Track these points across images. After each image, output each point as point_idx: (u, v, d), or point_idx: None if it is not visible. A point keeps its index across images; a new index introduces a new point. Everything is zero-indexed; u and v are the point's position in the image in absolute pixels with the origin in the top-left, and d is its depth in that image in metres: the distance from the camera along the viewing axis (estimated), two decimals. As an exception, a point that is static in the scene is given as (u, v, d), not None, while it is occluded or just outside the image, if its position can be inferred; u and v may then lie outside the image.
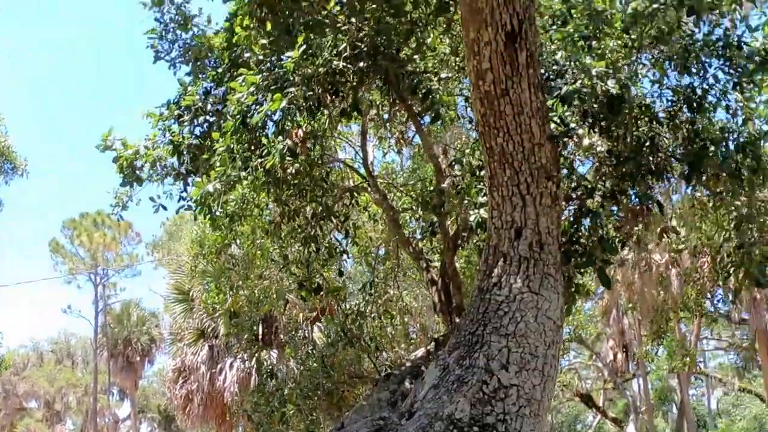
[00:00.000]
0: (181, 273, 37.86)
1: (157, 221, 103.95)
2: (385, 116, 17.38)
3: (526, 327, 9.14)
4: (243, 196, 16.10)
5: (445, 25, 13.45)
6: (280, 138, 11.51)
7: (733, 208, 13.86)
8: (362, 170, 18.13)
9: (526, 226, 9.59)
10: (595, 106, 10.93)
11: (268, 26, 11.35)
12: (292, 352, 27.65)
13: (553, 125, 10.39)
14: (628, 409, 52.01)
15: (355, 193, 18.01)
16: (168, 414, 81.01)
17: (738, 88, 12.30)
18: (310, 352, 24.25)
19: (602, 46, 11.72)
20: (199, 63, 15.20)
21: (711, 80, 12.21)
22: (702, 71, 12.19)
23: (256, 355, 33.27)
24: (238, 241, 20.40)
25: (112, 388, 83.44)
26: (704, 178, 12.26)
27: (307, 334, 30.37)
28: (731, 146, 12.20)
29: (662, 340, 40.03)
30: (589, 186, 11.53)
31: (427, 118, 14.79)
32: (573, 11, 12.08)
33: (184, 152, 14.37)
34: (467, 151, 13.68)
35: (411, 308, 27.02)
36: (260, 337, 33.28)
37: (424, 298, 27.08)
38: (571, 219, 11.63)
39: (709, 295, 35.30)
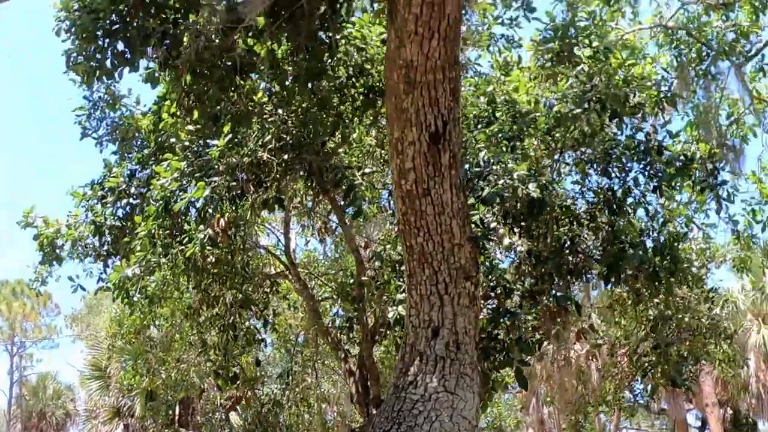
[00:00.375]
0: (98, 349, 37.14)
1: (78, 293, 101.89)
2: (309, 204, 17.43)
3: (440, 427, 9.06)
4: (164, 278, 15.97)
5: (372, 118, 13.56)
6: (202, 227, 11.46)
7: (651, 305, 14.07)
8: (284, 257, 18.14)
9: (443, 326, 9.56)
10: (516, 207, 11.04)
11: (195, 115, 11.33)
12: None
13: (473, 226, 10.46)
14: (548, 498, 51.68)
15: (275, 281, 17.96)
16: (80, 491, 78.84)
17: (658, 191, 12.52)
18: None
19: (526, 146, 11.90)
20: (125, 143, 15.16)
21: (631, 183, 12.44)
22: (623, 174, 12.41)
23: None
24: (156, 323, 20.13)
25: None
26: (623, 278, 12.41)
27: (224, 417, 29.98)
28: (650, 248, 12.39)
29: (582, 432, 40.00)
30: (508, 286, 11.61)
31: (350, 210, 14.86)
32: (498, 112, 12.27)
33: (106, 233, 14.27)
34: (388, 246, 13.73)
35: (329, 396, 26.85)
36: (177, 418, 32.69)
37: (342, 385, 26.94)
38: (490, 317, 11.68)
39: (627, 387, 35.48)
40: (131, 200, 14.10)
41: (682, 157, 12.47)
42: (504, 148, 11.62)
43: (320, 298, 18.84)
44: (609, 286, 14.13)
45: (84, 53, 10.18)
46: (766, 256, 22.97)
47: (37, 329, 73.26)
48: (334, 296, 18.42)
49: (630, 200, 12.53)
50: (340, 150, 13.55)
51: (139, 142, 15.13)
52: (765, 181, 18.03)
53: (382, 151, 14.73)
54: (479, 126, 12.45)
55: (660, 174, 12.24)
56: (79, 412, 63.32)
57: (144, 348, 21.77)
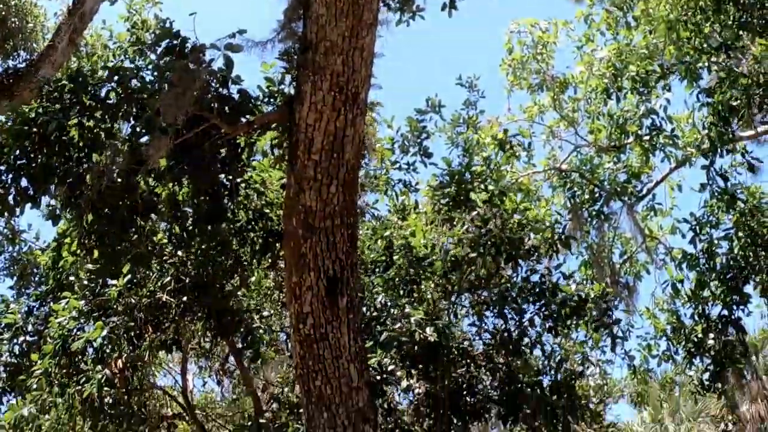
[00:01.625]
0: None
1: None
2: (207, 346, 17.28)
3: None
4: (59, 418, 15.64)
5: (270, 261, 13.59)
6: (99, 367, 11.34)
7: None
8: (181, 399, 17.94)
9: (342, 471, 9.52)
10: (414, 350, 11.14)
11: (96, 254, 11.30)
12: None
13: (372, 369, 10.54)
14: None
15: (173, 422, 17.68)
16: None
17: (553, 331, 12.75)
18: None
19: (423, 289, 12.08)
20: (23, 278, 15.01)
21: (527, 324, 12.67)
22: (519, 315, 12.64)
23: None
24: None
25: None
26: (521, 417, 12.50)
27: None
28: (547, 387, 12.55)
29: None
30: (406, 428, 11.64)
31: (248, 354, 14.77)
32: (395, 256, 12.46)
33: (1, 370, 13.95)
34: (286, 388, 13.69)
35: None
36: None
37: None
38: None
39: None
40: (28, 337, 13.82)
41: (576, 298, 12.77)
42: (401, 292, 11.78)
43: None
44: (507, 426, 14.28)
45: (-14, 189, 10.19)
46: (662, 389, 23.42)
47: None
48: (233, 438, 18.23)
49: (526, 341, 12.74)
50: (239, 292, 13.53)
51: (37, 279, 14.96)
52: (659, 316, 18.47)
53: (281, 294, 14.74)
54: (377, 271, 12.62)
55: (555, 315, 12.49)
56: None
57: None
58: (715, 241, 16.64)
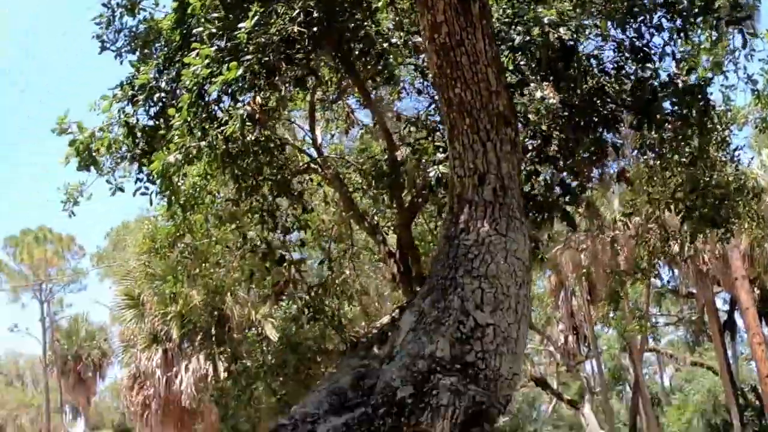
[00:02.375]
0: (130, 278, 37.45)
1: (101, 233, 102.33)
2: (333, 97, 17.42)
3: (496, 268, 9.26)
4: (194, 185, 16.05)
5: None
6: (239, 105, 11.57)
7: (685, 155, 14.16)
8: (312, 152, 18.28)
9: (488, 172, 9.71)
10: (548, 54, 11.10)
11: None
12: (249, 347, 27.75)
13: (508, 73, 10.60)
14: (583, 391, 51.76)
15: (307, 174, 18.07)
16: (122, 429, 79.70)
17: (682, 35, 12.53)
18: (264, 350, 24.44)
19: (548, 2, 11.95)
20: (146, 51, 15.06)
21: (654, 30, 12.45)
22: (647, 19, 12.39)
23: (213, 354, 33.21)
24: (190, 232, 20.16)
25: (65, 406, 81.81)
26: (654, 125, 12.48)
27: (261, 332, 30.41)
28: (681, 89, 12.44)
29: (617, 303, 39.80)
30: (546, 133, 11.73)
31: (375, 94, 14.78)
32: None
33: (139, 134, 14.09)
34: (422, 113, 13.81)
35: (368, 288, 27.12)
36: (213, 337, 33.18)
37: (379, 280, 27.36)
38: (527, 172, 11.84)
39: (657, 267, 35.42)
40: (162, 96, 13.83)
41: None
42: (528, 5, 11.68)
43: (352, 188, 18.91)
44: (636, 152, 14.28)
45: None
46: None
47: (62, 273, 73.54)
48: (365, 187, 18.57)
49: (654, 48, 12.57)
50: (365, 23, 13.47)
51: (160, 49, 14.99)
52: (781, 39, 18.03)
53: (401, 33, 14.69)
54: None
55: (683, 13, 12.22)
56: (114, 350, 63.80)
57: (183, 256, 21.76)
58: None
